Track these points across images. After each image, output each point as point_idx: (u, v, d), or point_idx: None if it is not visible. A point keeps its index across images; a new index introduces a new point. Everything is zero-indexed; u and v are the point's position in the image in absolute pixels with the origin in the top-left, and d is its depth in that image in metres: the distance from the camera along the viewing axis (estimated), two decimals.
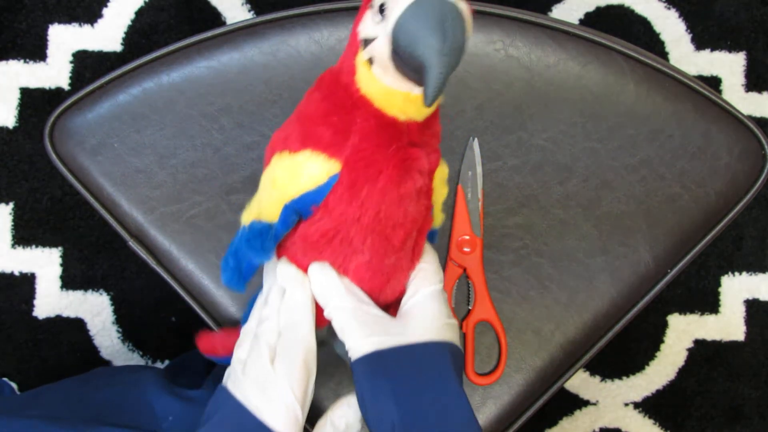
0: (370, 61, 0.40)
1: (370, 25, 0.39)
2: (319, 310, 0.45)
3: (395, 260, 0.45)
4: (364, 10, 0.40)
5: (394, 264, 0.45)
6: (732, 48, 0.87)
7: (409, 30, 0.36)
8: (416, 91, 0.40)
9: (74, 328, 0.83)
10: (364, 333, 0.42)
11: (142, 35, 0.85)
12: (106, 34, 0.85)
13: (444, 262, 0.62)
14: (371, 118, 0.41)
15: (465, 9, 0.37)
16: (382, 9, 0.38)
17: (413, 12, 0.36)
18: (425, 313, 0.44)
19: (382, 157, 0.41)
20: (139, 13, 0.85)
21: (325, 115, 0.42)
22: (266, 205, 0.44)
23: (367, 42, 0.40)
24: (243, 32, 0.62)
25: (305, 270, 0.45)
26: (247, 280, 0.46)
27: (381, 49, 0.39)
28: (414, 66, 0.37)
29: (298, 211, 0.44)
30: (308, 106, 0.43)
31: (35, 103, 0.84)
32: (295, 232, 0.45)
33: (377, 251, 0.44)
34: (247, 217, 0.46)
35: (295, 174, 0.42)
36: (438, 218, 0.50)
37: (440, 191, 0.49)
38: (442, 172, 0.48)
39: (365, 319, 0.43)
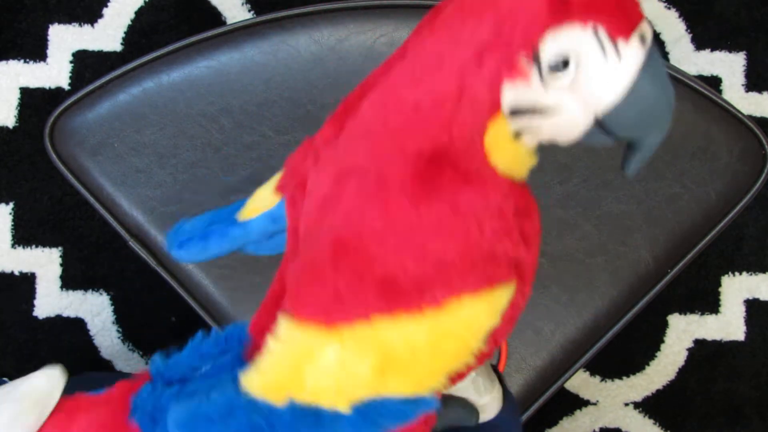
0: (519, 131, 0.28)
1: (536, 87, 0.26)
2: None
3: None
4: (507, 61, 0.26)
5: None
6: (732, 48, 0.87)
7: (644, 103, 0.25)
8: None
9: (74, 328, 0.83)
10: (489, 387, 0.39)
11: (142, 35, 0.85)
12: (106, 33, 0.85)
13: None
14: (526, 201, 0.29)
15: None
16: (563, 65, 0.25)
17: (649, 76, 0.25)
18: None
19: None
20: (139, 13, 0.85)
21: (495, 239, 0.28)
22: (429, 376, 0.29)
23: (523, 111, 0.26)
24: (243, 32, 0.62)
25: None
26: None
27: (570, 125, 0.26)
28: (621, 139, 0.27)
29: None
30: (453, 231, 0.27)
31: (35, 103, 0.84)
32: None
33: None
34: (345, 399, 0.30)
35: (477, 325, 0.29)
36: None
37: None
38: None
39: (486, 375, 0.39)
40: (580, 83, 0.25)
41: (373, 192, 0.28)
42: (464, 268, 0.27)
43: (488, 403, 0.37)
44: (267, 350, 0.30)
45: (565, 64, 0.25)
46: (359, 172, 0.28)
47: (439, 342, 0.28)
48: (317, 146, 0.31)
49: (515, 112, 0.26)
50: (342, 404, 0.29)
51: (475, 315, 0.28)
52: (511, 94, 0.26)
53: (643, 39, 0.25)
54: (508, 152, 0.28)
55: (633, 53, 0.25)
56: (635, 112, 0.25)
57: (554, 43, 0.25)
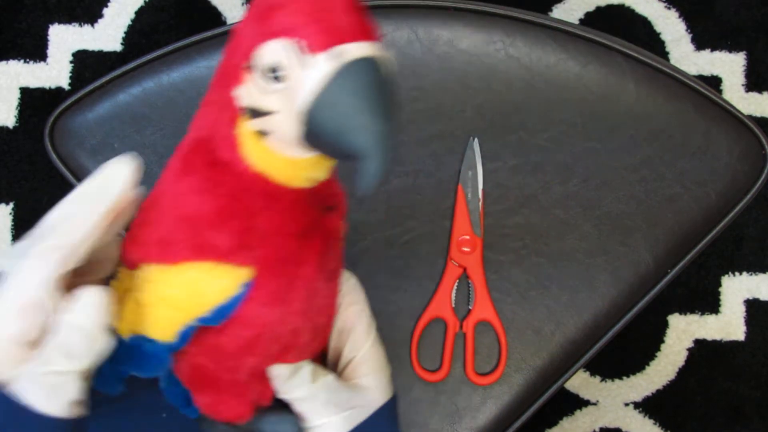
0: (261, 132, 0.31)
1: (257, 92, 0.30)
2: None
3: (323, 327, 0.39)
4: (237, 68, 0.31)
5: (323, 329, 0.39)
6: (732, 48, 0.87)
7: (335, 111, 0.28)
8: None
9: None
10: (332, 411, 0.38)
11: (142, 35, 0.85)
12: (106, 34, 0.85)
13: (444, 262, 0.62)
14: (275, 202, 0.33)
15: (392, 64, 0.30)
16: (275, 75, 0.29)
17: (339, 86, 0.28)
18: (373, 372, 0.41)
19: (303, 245, 0.33)
20: (139, 13, 0.85)
21: (218, 217, 0.32)
22: (157, 325, 0.34)
23: (256, 113, 0.31)
24: None
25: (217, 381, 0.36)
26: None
27: (285, 128, 0.30)
28: (342, 152, 0.29)
29: (203, 323, 0.34)
30: (187, 201, 0.33)
31: (35, 103, 0.84)
32: (197, 339, 0.35)
33: (310, 339, 0.37)
34: (125, 327, 0.34)
35: (197, 292, 0.33)
36: None
37: None
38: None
39: (329, 397, 0.38)
40: (288, 89, 0.29)
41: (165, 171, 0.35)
42: (184, 234, 0.33)
43: (323, 425, 0.38)
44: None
45: (276, 75, 0.29)
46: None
47: (184, 289, 0.33)
48: None
49: (252, 114, 0.31)
50: (164, 334, 0.34)
51: (190, 279, 0.33)
52: (242, 97, 0.31)
53: (340, 54, 0.28)
54: (256, 149, 0.32)
55: (322, 65, 0.28)
56: (329, 121, 0.28)
57: (261, 56, 0.29)
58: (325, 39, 0.28)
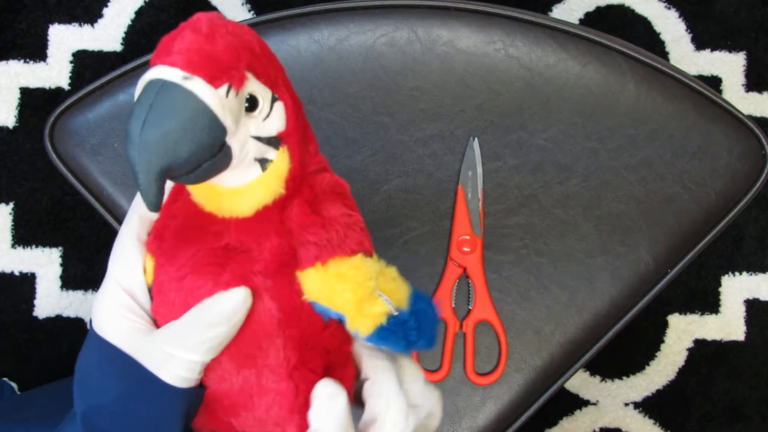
0: None
1: None
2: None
3: (251, 375, 0.36)
4: None
5: (252, 379, 0.36)
6: (732, 48, 0.87)
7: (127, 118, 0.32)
8: (227, 184, 0.33)
9: (74, 328, 0.83)
10: None
11: (142, 35, 0.85)
12: (106, 34, 0.85)
13: (444, 262, 0.62)
14: (182, 213, 0.36)
15: (203, 93, 0.31)
16: None
17: (137, 96, 0.32)
18: None
19: (184, 260, 0.35)
20: (139, 13, 0.85)
21: (163, 212, 0.37)
22: None
23: None
24: None
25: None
26: None
27: None
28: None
29: None
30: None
31: (35, 103, 0.84)
32: None
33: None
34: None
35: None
36: (360, 323, 0.36)
37: (341, 293, 0.35)
38: (344, 268, 0.35)
39: None
40: None
41: None
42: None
43: None
44: None
45: None
46: None
47: None
48: None
49: None
50: None
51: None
52: None
53: (151, 70, 0.32)
54: None
55: (143, 77, 0.32)
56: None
57: None
58: (155, 59, 0.32)
